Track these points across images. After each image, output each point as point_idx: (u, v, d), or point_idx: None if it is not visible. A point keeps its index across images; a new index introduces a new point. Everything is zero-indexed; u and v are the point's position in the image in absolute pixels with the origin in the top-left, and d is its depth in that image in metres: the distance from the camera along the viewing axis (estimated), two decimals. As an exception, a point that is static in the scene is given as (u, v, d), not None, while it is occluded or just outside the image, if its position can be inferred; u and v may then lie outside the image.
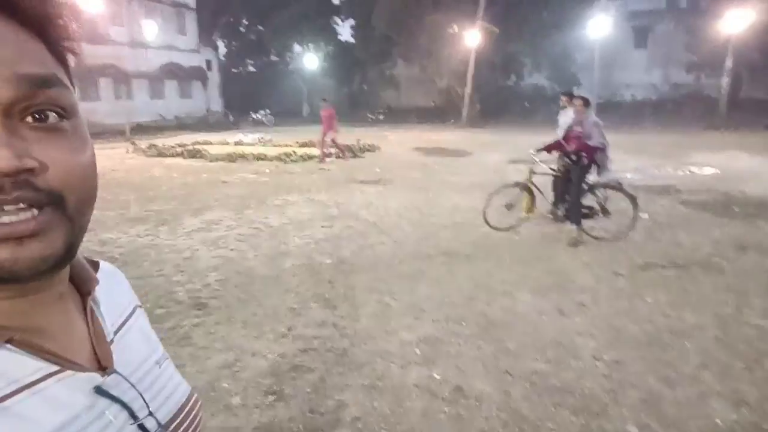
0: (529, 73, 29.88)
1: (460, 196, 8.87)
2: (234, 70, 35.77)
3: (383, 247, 5.92)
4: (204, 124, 27.96)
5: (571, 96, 7.30)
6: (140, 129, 23.83)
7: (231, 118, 29.55)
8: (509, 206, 6.34)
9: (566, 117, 7.11)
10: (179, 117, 27.04)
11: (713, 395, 2.82)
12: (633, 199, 5.92)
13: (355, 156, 14.60)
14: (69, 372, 0.44)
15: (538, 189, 6.37)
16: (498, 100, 31.85)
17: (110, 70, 22.73)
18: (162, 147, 16.68)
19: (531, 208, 6.43)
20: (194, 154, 15.14)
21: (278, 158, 14.13)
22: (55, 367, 0.44)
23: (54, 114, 0.43)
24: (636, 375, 3.06)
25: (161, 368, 0.57)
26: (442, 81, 27.87)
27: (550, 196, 6.66)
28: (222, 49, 34.68)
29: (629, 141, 17.43)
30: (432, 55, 26.47)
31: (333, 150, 14.31)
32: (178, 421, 0.55)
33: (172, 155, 15.34)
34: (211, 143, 19.18)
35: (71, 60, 0.48)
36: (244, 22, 33.64)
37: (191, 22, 27.94)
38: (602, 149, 5.88)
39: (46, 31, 0.44)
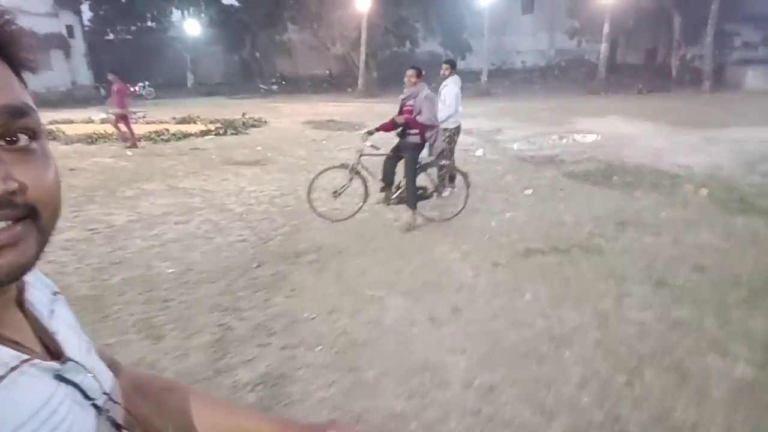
0: (423, 38, 29.53)
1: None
2: (105, 38, 31.87)
3: (243, 246, 5.08)
4: (70, 99, 24.75)
5: (453, 65, 6.77)
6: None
7: (102, 91, 26.38)
8: (337, 193, 5.71)
9: (450, 89, 6.58)
10: (38, 92, 23.56)
11: (594, 429, 2.39)
12: (465, 176, 5.75)
13: (237, 133, 13.33)
14: (36, 360, 0.48)
15: (368, 171, 5.72)
16: (394, 67, 31.24)
17: (-63, 36, 19.00)
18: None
19: (366, 195, 5.81)
20: (94, 141, 13.03)
21: (148, 137, 12.54)
22: (26, 356, 0.48)
23: (25, 136, 0.47)
24: (509, 406, 2.57)
25: (91, 353, 0.62)
26: (335, 47, 26.73)
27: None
28: (87, 13, 30.65)
29: (519, 108, 17.67)
30: (323, 20, 25.20)
31: (118, 132, 11.79)
32: (114, 396, 0.60)
33: (70, 142, 13.11)
34: (72, 122, 16.84)
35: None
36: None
37: (43, -20, 24.16)
38: (432, 126, 5.37)
39: (9, 55, 0.48)
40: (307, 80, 31.81)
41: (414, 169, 5.44)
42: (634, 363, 2.90)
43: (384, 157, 5.69)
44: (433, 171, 5.83)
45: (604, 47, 23.68)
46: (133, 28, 32.40)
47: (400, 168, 5.58)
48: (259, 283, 4.20)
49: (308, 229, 5.56)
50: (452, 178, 7.03)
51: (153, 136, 12.61)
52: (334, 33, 25.46)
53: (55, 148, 11.73)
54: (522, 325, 3.37)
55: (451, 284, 4.05)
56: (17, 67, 0.49)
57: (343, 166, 5.63)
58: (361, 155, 5.55)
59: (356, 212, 5.73)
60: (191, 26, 31.15)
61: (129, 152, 10.80)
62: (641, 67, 29.18)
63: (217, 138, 12.73)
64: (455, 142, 6.83)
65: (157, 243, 5.22)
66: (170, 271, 4.50)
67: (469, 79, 29.85)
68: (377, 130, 5.56)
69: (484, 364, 2.95)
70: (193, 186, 7.70)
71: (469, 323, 3.43)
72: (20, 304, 0.55)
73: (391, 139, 5.61)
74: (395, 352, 3.11)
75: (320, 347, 3.19)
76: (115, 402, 0.59)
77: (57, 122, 16.62)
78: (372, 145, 5.50)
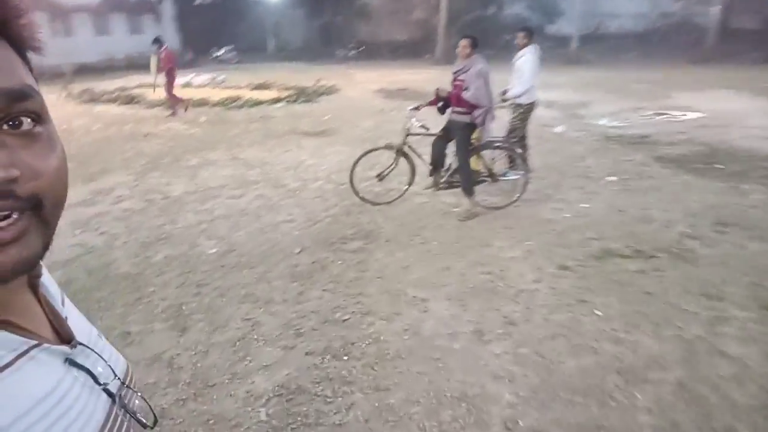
0: (509, 1, 27.74)
1: (407, 151, 7.69)
2: (194, 2, 32.79)
3: (289, 227, 4.83)
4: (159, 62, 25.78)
5: (531, 33, 6.02)
6: (84, 70, 21.76)
7: (189, 56, 27.29)
8: (381, 176, 5.30)
9: (527, 60, 5.87)
10: (130, 56, 24.76)
11: None
12: (523, 159, 5.17)
13: (308, 101, 13.15)
14: (46, 345, 0.49)
15: (417, 153, 5.20)
16: (477, 33, 29.63)
17: (42, 3, 20.32)
18: (97, 92, 15.06)
19: (412, 177, 5.29)
20: (129, 100, 13.60)
21: (222, 103, 12.70)
22: (35, 342, 0.48)
23: (28, 120, 0.45)
24: (557, 463, 2.10)
25: (103, 340, 0.63)
26: (415, 11, 25.75)
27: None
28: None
29: (611, 79, 16.12)
30: (403, -17, 24.22)
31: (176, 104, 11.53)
32: (128, 383, 0.61)
33: (106, 101, 13.80)
34: (158, 85, 17.46)
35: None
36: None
37: (136, -53, 25.04)
38: (480, 106, 4.70)
39: (11, 34, 0.45)
40: (385, 46, 31.09)
41: (466, 151, 4.89)
42: (727, 419, 2.31)
43: (433, 138, 5.17)
44: (488, 153, 5.20)
45: (716, 10, 20.96)
46: (219, -8, 33.00)
47: (452, 150, 5.04)
48: (297, 272, 3.92)
49: (359, 211, 5.21)
50: (524, 160, 6.39)
51: (227, 102, 12.72)
52: (414, -4, 24.48)
53: (135, 112, 12.18)
54: (586, 351, 2.84)
55: (507, 290, 3.55)
56: (20, 47, 0.47)
57: (388, 146, 5.20)
58: (407, 134, 5.08)
59: (400, 196, 5.34)
60: (273, -10, 31.24)
61: (202, 119, 10.92)
62: (759, 33, 25.72)
63: (288, 106, 12.62)
64: (528, 120, 6.14)
65: (207, 218, 5.10)
66: (212, 251, 4.34)
67: (560, 44, 27.89)
68: (426, 105, 5.06)
69: (534, 399, 2.48)
70: (254, 157, 7.58)
71: (522, 342, 2.95)
72: (33, 288, 0.56)
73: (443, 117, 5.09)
74: (430, 373, 2.71)
75: (347, 357, 2.85)
76: (130, 388, 0.61)
77: (144, 86, 17.37)
78: (422, 125, 4.99)
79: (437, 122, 5.16)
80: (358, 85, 16.84)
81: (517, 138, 6.15)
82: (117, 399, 0.56)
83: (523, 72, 5.88)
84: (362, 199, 5.29)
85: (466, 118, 4.79)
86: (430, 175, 5.21)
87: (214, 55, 28.18)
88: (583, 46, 25.25)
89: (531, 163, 6.49)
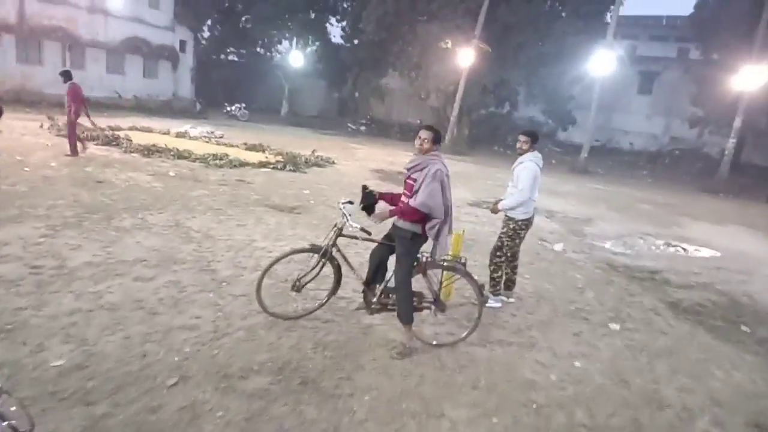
0: (524, 103, 27.91)
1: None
2: (215, 57, 33.37)
3: (183, 339, 3.62)
4: (167, 109, 25.53)
5: (534, 138, 5.10)
6: (88, 104, 21.36)
7: (198, 106, 27.19)
8: (297, 285, 4.08)
9: (526, 169, 4.91)
10: (139, 98, 24.60)
11: None
12: (478, 288, 4.01)
13: (296, 170, 12.30)
14: None
15: (346, 259, 4.09)
16: (489, 128, 29.84)
17: (58, 33, 20.28)
18: (81, 128, 14.30)
19: (335, 287, 4.19)
20: (110, 141, 12.78)
21: (203, 159, 11.84)
22: None
23: None
24: None
25: None
26: (428, 97, 25.79)
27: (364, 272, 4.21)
28: (206, 32, 32.31)
29: (619, 195, 15.37)
30: (421, 69, 24.38)
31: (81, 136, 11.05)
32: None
33: (86, 139, 12.95)
34: (150, 130, 16.85)
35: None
36: (231, 7, 31.34)
37: (167, -3, 25.59)
38: (429, 218, 3.66)
39: None
40: (396, 126, 31.12)
41: (409, 268, 3.78)
42: None
43: (374, 245, 4.08)
44: (436, 273, 4.08)
45: (731, 143, 20.66)
46: (243, 51, 33.69)
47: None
48: (149, 423, 2.68)
49: (286, 327, 4.01)
50: (510, 285, 5.27)
51: (210, 158, 11.87)
52: (431, 84, 24.55)
53: (108, 155, 11.30)
54: None
55: None
56: None
57: (313, 249, 4.07)
58: (338, 234, 3.99)
59: (315, 310, 4.22)
60: (295, 58, 31.78)
61: (171, 173, 9.97)
62: (770, 171, 25.48)
63: (273, 172, 11.74)
64: (521, 238, 5.09)
65: (86, 307, 3.91)
66: (57, 363, 3.12)
67: (569, 152, 27.73)
68: (365, 201, 3.90)
69: None
70: (200, 227, 6.49)
71: None
72: None
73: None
74: None
75: None
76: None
77: (136, 128, 16.73)
78: (362, 229, 3.87)
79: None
80: (357, 161, 16.13)
81: (503, 257, 5.08)
82: None
83: (519, 181, 4.90)
84: (271, 313, 4.09)
85: (415, 228, 3.72)
86: (363, 291, 4.06)
87: (226, 110, 28.09)
88: (592, 157, 24.95)
89: (517, 287, 5.39)
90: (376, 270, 4.00)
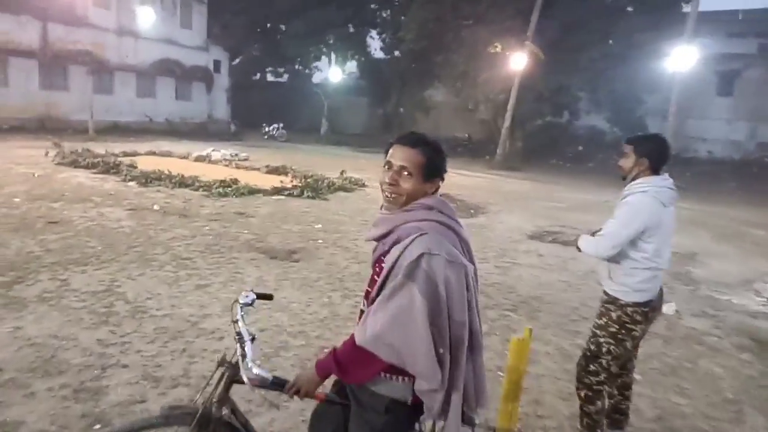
0: (586, 111, 24.95)
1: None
2: (252, 76, 32.40)
3: None
4: (202, 131, 24.49)
5: (656, 154, 2.71)
6: (116, 129, 20.52)
7: (233, 128, 26.02)
8: None
9: (639, 205, 2.57)
10: (171, 121, 23.67)
11: None
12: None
13: (314, 197, 10.29)
14: None
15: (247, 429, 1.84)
16: (545, 140, 26.93)
17: (85, 57, 19.50)
18: (86, 154, 13.00)
19: None
20: (109, 169, 11.28)
21: (207, 187, 10.06)
22: None
23: None
24: None
25: None
26: (477, 109, 23.43)
27: None
28: (241, 52, 31.38)
29: (713, 215, 12.39)
30: (468, 78, 22.09)
31: None
32: None
33: (86, 167, 11.55)
34: (170, 155, 15.47)
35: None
36: (268, 25, 30.29)
37: (199, 16, 24.62)
38: (426, 375, 1.44)
39: None
40: (442, 142, 28.76)
41: None
42: None
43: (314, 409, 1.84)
44: None
45: None
46: (280, 70, 32.59)
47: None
48: None
49: None
50: (619, 420, 2.91)
51: (215, 186, 10.08)
52: (479, 94, 22.20)
53: (100, 184, 9.74)
54: None
55: None
56: None
57: (176, 416, 1.82)
58: (228, 383, 1.76)
59: None
60: (334, 74, 30.28)
61: (156, 207, 8.19)
62: None
63: (285, 201, 9.79)
64: (637, 339, 2.73)
65: None
66: None
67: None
68: None
69: None
70: (139, 294, 4.51)
71: None
72: None
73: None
74: None
75: None
76: None
77: (154, 153, 15.40)
78: (275, 379, 1.66)
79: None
80: (393, 182, 13.98)
81: (604, 373, 2.70)
82: None
83: (619, 223, 2.58)
84: None
85: (392, 389, 1.53)
86: None
87: (264, 131, 26.82)
88: (667, 169, 21.72)
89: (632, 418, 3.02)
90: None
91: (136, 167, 11.68)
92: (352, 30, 29.83)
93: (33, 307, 4.04)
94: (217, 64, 26.30)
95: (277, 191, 10.38)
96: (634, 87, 21.87)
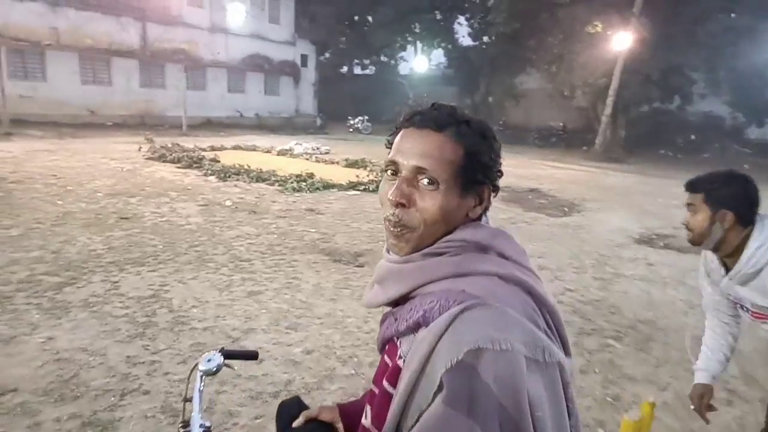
0: (700, 95, 22.17)
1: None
2: (339, 69, 32.47)
3: None
4: (289, 125, 24.83)
5: None
6: (209, 124, 21.33)
7: (319, 121, 26.15)
8: None
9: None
10: (260, 115, 24.23)
11: None
12: None
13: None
14: None
15: None
16: (652, 128, 24.37)
17: (180, 55, 20.35)
18: (175, 149, 13.36)
19: None
20: (192, 164, 11.44)
21: (283, 181, 9.83)
22: None
23: None
24: None
25: None
26: (573, 95, 21.61)
27: None
28: (328, 45, 31.52)
29: None
30: (563, 61, 20.40)
31: None
32: None
33: (172, 161, 11.82)
34: (255, 149, 15.64)
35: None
36: (355, 17, 30.12)
37: (287, 11, 24.89)
38: None
39: None
40: (534, 131, 27.12)
41: None
42: None
43: None
44: None
45: None
46: (366, 62, 32.38)
47: None
48: None
49: None
50: None
51: (291, 180, 9.83)
52: (575, 79, 20.39)
53: (180, 179, 9.82)
54: None
55: None
56: None
57: None
58: None
59: None
60: (420, 63, 29.52)
61: (228, 202, 8.01)
62: None
63: (360, 196, 9.30)
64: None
65: None
66: None
67: (764, 154, 21.40)
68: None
69: None
70: (185, 300, 4.15)
71: None
72: None
73: None
74: None
75: None
76: None
77: (240, 147, 15.65)
78: None
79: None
80: (478, 176, 13.06)
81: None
82: None
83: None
84: None
85: None
86: None
87: (349, 123, 26.74)
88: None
89: None
90: None
91: (218, 161, 11.79)
92: (439, 17, 28.84)
93: (74, 314, 3.78)
94: (304, 58, 26.54)
95: (353, 186, 9.92)
96: (762, 66, 18.99)
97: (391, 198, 0.82)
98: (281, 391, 2.99)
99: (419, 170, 0.81)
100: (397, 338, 0.84)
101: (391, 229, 0.84)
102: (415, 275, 0.83)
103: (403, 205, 0.82)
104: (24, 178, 8.69)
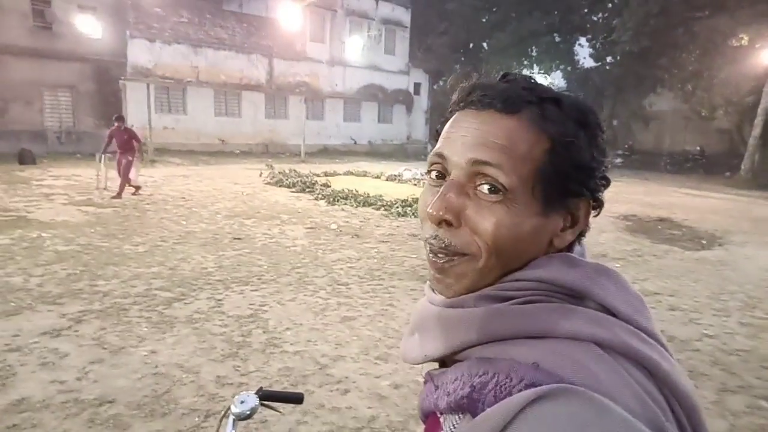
0: None
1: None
2: (452, 96, 32.46)
3: None
4: (401, 152, 25.22)
5: None
6: (325, 152, 22.33)
7: (429, 148, 26.20)
8: None
9: None
10: (373, 143, 24.90)
11: None
12: None
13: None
14: None
15: None
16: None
17: (301, 88, 21.65)
18: (291, 174, 14.04)
19: None
20: (305, 188, 11.91)
21: (387, 206, 9.85)
22: None
23: None
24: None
25: None
26: (713, 115, 19.41)
27: None
28: (441, 73, 31.72)
29: None
30: (702, 79, 18.44)
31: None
32: None
33: (288, 186, 12.42)
34: (365, 174, 15.99)
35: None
36: (470, 45, 30.06)
37: (402, 42, 25.53)
38: None
39: None
40: (666, 156, 24.75)
41: None
42: None
43: None
44: None
45: None
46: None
47: None
48: None
49: None
50: None
51: (398, 205, 9.82)
52: (716, 98, 18.29)
53: (291, 204, 10.21)
54: None
55: None
56: None
57: None
58: None
59: None
60: (537, 87, 28.53)
61: (333, 225, 8.12)
62: None
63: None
64: None
65: None
66: None
67: None
68: None
69: None
70: (281, 321, 4.14)
71: None
72: None
73: None
74: None
75: None
76: None
77: (351, 173, 16.09)
78: None
79: None
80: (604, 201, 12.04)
81: None
82: None
83: None
84: None
85: None
86: None
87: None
88: None
89: None
90: None
91: (329, 186, 12.16)
92: (558, 39, 27.80)
93: (178, 329, 3.93)
94: (417, 86, 26.95)
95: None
96: None
97: (431, 212, 0.56)
98: (363, 428, 2.78)
99: (476, 169, 0.55)
100: (441, 413, 0.58)
101: (433, 258, 0.58)
102: (464, 329, 0.55)
103: (449, 224, 0.56)
104: (158, 200, 9.59)
